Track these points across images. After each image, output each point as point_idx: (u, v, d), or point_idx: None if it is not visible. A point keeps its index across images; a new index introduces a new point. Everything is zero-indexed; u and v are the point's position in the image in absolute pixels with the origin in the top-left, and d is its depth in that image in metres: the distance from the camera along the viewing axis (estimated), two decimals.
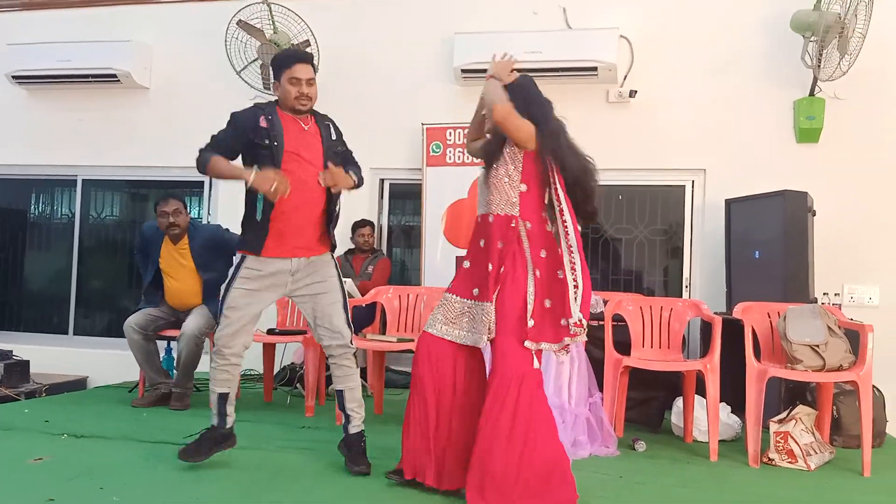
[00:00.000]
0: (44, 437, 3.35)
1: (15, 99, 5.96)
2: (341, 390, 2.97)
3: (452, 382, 2.64)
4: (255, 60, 5.31)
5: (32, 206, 6.23)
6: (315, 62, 5.40)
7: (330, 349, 2.95)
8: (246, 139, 2.82)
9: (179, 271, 4.21)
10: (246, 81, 5.34)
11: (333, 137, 2.99)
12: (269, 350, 4.46)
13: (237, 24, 5.21)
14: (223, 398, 2.91)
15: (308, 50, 5.24)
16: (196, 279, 4.19)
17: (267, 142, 2.79)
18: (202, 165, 2.82)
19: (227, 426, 2.94)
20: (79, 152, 5.87)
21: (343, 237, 5.26)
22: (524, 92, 2.75)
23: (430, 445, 2.62)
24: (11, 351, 5.14)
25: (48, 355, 5.56)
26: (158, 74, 5.75)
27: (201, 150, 2.85)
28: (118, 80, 5.60)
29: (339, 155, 2.99)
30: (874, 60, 4.55)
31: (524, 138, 2.65)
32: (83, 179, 6.02)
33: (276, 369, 4.70)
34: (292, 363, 4.84)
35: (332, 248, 3.01)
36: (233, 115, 2.89)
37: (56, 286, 6.07)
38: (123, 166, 5.84)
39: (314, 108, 2.96)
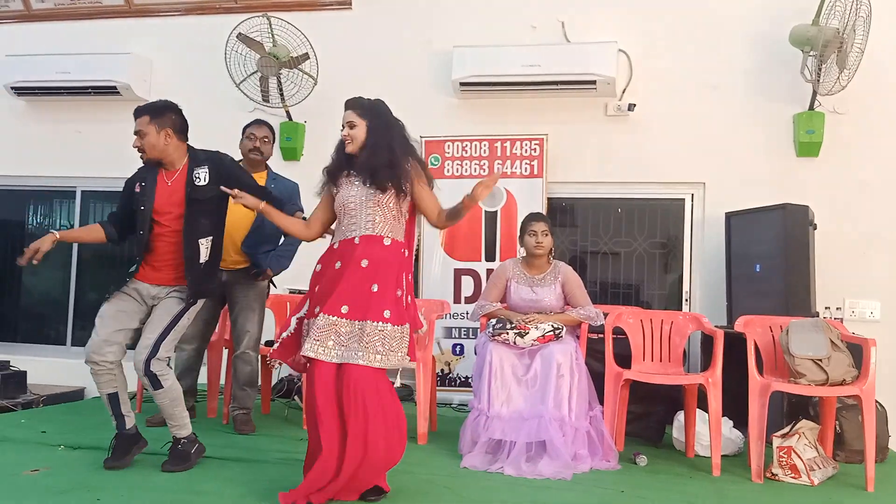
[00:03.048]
0: (40, 448, 3.33)
1: (14, 110, 5.96)
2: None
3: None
4: (254, 73, 5.31)
5: (31, 218, 6.21)
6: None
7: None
8: (130, 205, 3.16)
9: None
10: (245, 94, 5.35)
11: (199, 182, 3.09)
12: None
13: (237, 37, 5.22)
14: (114, 398, 3.03)
15: (307, 63, 5.26)
16: None
17: (141, 207, 3.09)
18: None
19: (128, 427, 3.06)
20: (78, 164, 5.86)
21: None
22: (385, 119, 2.86)
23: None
24: (9, 362, 5.12)
25: (45, 366, 5.53)
26: (158, 87, 5.73)
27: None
28: (118, 93, 5.59)
29: (207, 202, 3.09)
30: (873, 75, 4.56)
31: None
32: (82, 191, 6.01)
33: (274, 381, 4.67)
34: (290, 375, 4.81)
35: (195, 286, 3.10)
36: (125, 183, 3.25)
37: (54, 297, 6.04)
38: (123, 178, 5.77)
39: (197, 149, 3.21)
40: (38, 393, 5.02)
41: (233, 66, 5.29)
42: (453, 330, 4.98)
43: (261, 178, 3.97)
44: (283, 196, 3.89)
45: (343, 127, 2.84)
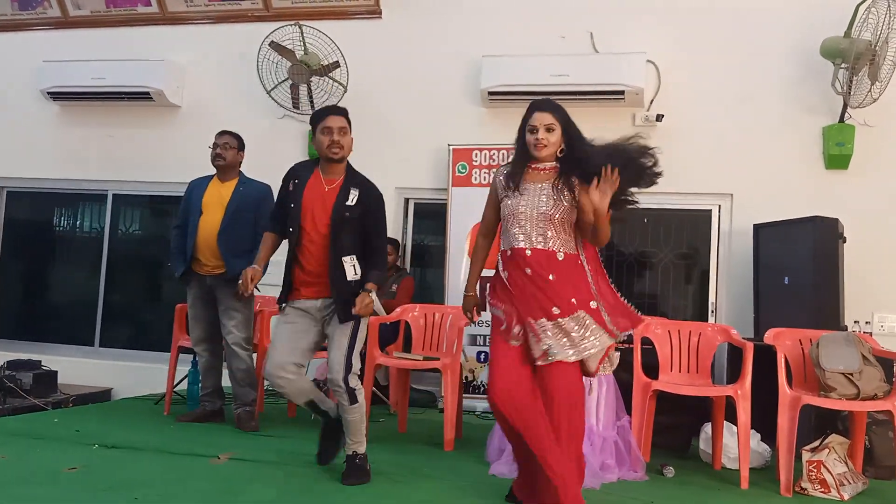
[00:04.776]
0: (75, 446, 3.39)
1: (49, 115, 6.09)
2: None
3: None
4: (285, 80, 5.39)
5: (63, 220, 6.33)
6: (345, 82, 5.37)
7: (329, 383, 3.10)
8: (281, 203, 3.19)
9: (216, 208, 4.06)
10: (276, 101, 5.43)
11: (350, 202, 3.05)
12: None
13: (269, 45, 5.30)
14: (311, 405, 3.15)
15: (337, 71, 5.33)
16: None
17: (291, 205, 3.10)
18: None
19: (334, 415, 3.15)
20: (110, 168, 5.97)
21: None
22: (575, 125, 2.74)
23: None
24: (40, 361, 5.22)
25: (75, 366, 5.63)
26: (190, 93, 5.84)
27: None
28: (151, 98, 5.70)
29: (353, 222, 3.04)
30: None
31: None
32: (113, 194, 6.12)
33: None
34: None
35: (343, 303, 3.02)
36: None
37: (83, 298, 6.14)
38: (153, 182, 5.92)
39: (357, 171, 3.15)
40: (68, 393, 5.11)
41: (264, 74, 5.37)
42: (478, 337, 5.00)
43: (232, 185, 4.12)
44: (253, 200, 4.05)
45: (535, 129, 2.64)
